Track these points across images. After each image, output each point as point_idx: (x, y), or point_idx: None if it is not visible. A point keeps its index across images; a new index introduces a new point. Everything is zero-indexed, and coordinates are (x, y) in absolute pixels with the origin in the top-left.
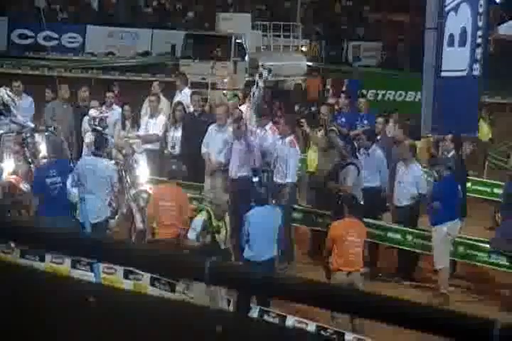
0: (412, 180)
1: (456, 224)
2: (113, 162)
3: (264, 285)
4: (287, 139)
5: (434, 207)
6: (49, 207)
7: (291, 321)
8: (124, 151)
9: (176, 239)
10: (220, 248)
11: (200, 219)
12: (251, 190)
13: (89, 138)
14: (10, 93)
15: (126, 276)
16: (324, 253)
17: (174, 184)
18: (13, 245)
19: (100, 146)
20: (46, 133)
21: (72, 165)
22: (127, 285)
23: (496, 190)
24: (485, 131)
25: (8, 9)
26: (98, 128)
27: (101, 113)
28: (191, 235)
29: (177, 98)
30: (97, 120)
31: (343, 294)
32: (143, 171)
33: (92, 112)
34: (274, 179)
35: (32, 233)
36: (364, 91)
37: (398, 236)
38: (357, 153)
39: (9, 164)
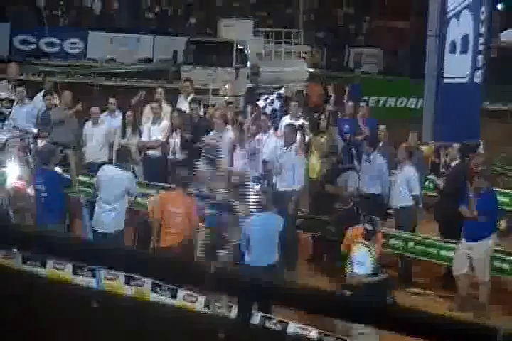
0: (404, 181)
1: (494, 236)
2: (131, 173)
3: (268, 292)
4: (293, 147)
5: (479, 221)
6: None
7: (292, 328)
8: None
9: (180, 247)
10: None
11: (363, 252)
12: (252, 197)
13: None
14: (7, 85)
15: (127, 282)
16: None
17: (183, 191)
18: (15, 251)
19: (122, 158)
20: (44, 141)
21: (66, 176)
22: (129, 291)
23: (497, 197)
24: None
25: (10, 15)
26: None
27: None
28: (360, 270)
29: (184, 103)
30: None
31: (346, 301)
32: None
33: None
34: (278, 187)
35: (33, 238)
36: (365, 98)
37: (400, 242)
38: (354, 159)
39: (15, 169)
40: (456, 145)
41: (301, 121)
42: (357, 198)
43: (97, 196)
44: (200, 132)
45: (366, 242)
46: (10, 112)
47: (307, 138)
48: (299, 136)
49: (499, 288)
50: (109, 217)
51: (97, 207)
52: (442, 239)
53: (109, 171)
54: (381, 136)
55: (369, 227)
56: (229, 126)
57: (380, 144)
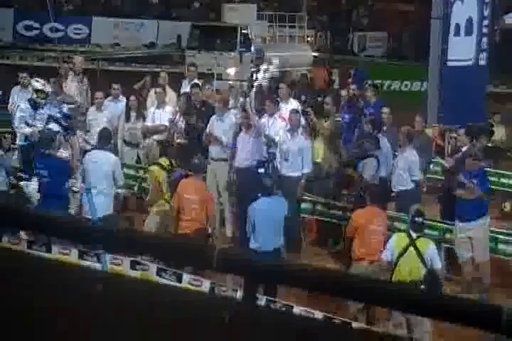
0: (405, 166)
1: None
2: (115, 157)
3: (274, 273)
4: (299, 131)
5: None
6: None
7: (297, 311)
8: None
9: (197, 234)
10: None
11: (433, 247)
12: (257, 181)
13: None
14: (40, 81)
15: (133, 267)
16: (346, 242)
17: (199, 178)
18: (20, 236)
19: (105, 139)
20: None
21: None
22: (134, 275)
23: (502, 180)
24: None
25: (15, 0)
26: None
27: None
28: (439, 264)
29: (187, 88)
30: None
31: (354, 281)
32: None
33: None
34: (286, 171)
35: (40, 221)
36: (370, 81)
37: (403, 225)
38: (382, 146)
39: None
40: (462, 131)
41: (294, 105)
42: (363, 183)
43: (83, 182)
44: (203, 118)
45: (426, 236)
46: (45, 103)
47: (307, 120)
48: (303, 120)
49: (504, 272)
50: (97, 202)
51: (84, 193)
52: (445, 222)
53: (93, 155)
54: (385, 118)
55: (419, 220)
56: (232, 110)
57: (384, 127)
